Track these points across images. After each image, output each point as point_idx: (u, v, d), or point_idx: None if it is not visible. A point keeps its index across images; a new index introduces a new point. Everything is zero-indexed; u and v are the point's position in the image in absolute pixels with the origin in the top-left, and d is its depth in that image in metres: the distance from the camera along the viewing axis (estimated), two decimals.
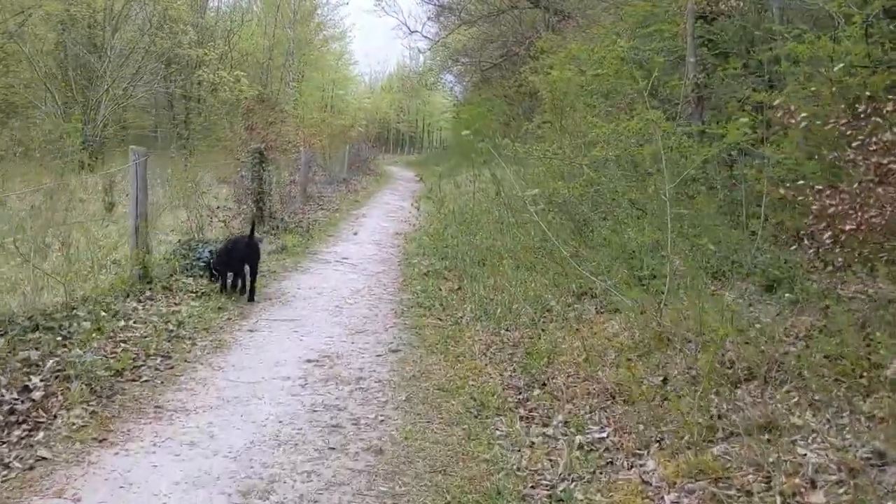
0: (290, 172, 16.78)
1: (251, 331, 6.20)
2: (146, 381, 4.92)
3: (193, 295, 7.14)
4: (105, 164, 19.14)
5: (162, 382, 4.92)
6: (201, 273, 7.98)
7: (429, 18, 33.03)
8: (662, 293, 5.59)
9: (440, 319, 7.00)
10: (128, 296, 6.57)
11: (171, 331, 5.91)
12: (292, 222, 13.24)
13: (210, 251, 8.36)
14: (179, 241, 8.43)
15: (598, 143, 10.00)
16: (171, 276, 7.61)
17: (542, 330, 6.38)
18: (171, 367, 5.24)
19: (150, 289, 6.85)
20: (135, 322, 5.95)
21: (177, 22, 22.96)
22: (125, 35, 22.56)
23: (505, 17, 28.07)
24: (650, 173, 8.85)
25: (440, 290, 8.33)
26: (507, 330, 6.64)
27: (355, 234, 13.06)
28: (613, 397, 4.62)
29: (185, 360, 5.39)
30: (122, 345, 5.43)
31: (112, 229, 9.85)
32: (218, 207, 9.76)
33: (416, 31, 35.26)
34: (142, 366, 5.17)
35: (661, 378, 4.71)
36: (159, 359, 5.34)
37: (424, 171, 32.86)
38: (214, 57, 27.50)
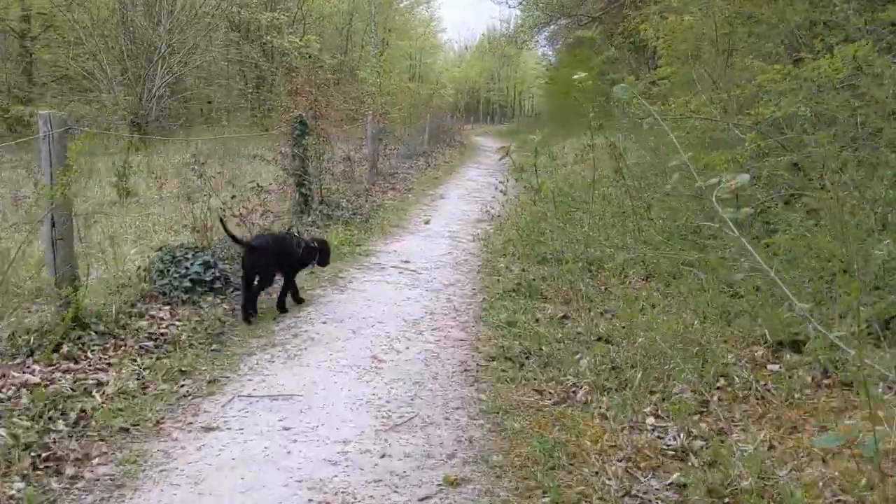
0: (355, 147, 14.20)
1: (208, 429, 3.55)
2: None
3: (152, 343, 4.58)
4: (157, 143, 17.16)
5: None
6: (185, 297, 5.44)
7: None
8: None
9: (539, 392, 4.16)
10: (31, 354, 4.06)
11: (38, 455, 3.24)
12: (350, 208, 10.65)
13: (207, 262, 5.81)
14: (161, 248, 5.91)
15: (766, 95, 6.91)
16: (134, 306, 5.09)
17: (721, 431, 3.50)
18: None
19: (78, 339, 4.32)
20: None
21: None
22: None
23: None
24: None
25: (536, 320, 5.49)
26: (657, 416, 3.77)
27: (427, 222, 10.32)
28: None
29: None
30: None
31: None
32: (233, 197, 7.21)
33: None
34: None
35: None
36: None
37: (514, 141, 29.78)
38: (285, 21, 25.30)
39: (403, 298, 6.22)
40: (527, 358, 4.68)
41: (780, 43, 10.38)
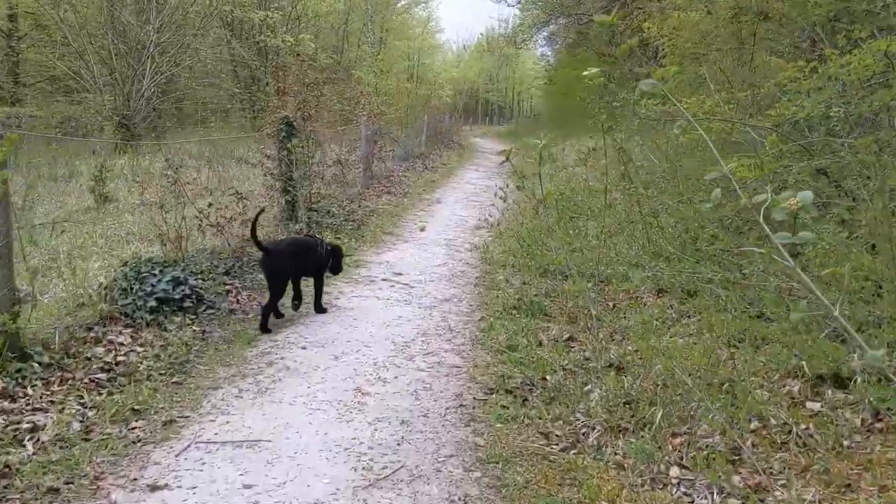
0: (349, 149, 13.66)
1: (154, 487, 2.98)
2: None
3: (104, 376, 4.03)
4: (146, 145, 16.62)
5: None
6: (150, 318, 4.90)
7: None
8: None
9: (545, 435, 3.62)
10: None
11: None
12: (342, 214, 10.12)
13: (177, 278, 5.27)
14: (127, 263, 5.35)
15: (786, 94, 6.42)
16: (91, 330, 4.55)
17: (759, 487, 2.98)
18: None
19: (17, 373, 3.77)
20: None
21: None
22: None
23: None
24: None
25: (540, 343, 4.96)
26: (682, 466, 3.25)
27: (422, 230, 9.78)
28: None
29: None
30: None
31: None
32: (209, 205, 6.66)
33: None
34: None
35: None
36: None
37: (514, 143, 29.21)
38: (279, 20, 24.76)
39: (394, 317, 5.67)
40: (530, 390, 4.14)
41: (801, 38, 9.88)
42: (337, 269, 6.04)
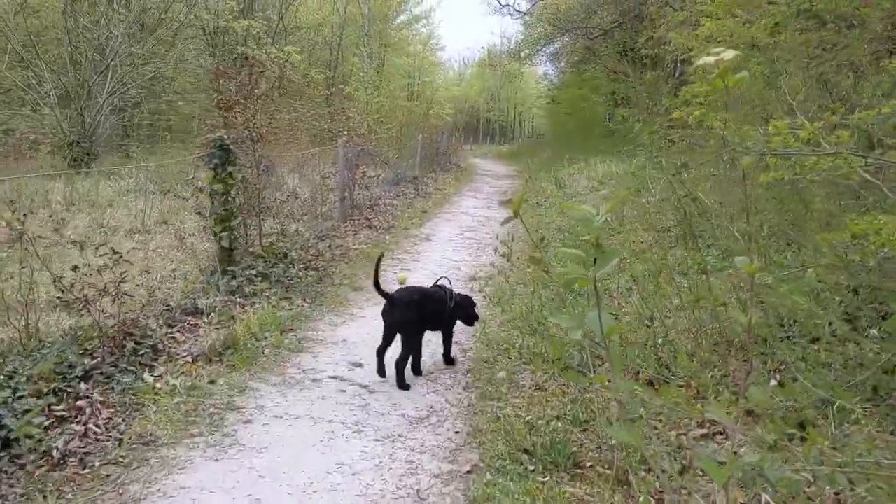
0: (324, 175, 11.57)
1: None
2: None
3: None
4: (99, 165, 14.55)
5: None
6: None
7: None
8: None
9: None
10: None
11: None
12: (303, 260, 8.00)
13: None
14: None
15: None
16: None
17: None
18: None
19: None
20: None
21: None
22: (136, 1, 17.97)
23: None
24: None
25: None
26: None
27: (402, 282, 7.62)
28: None
29: None
30: None
31: None
32: (75, 269, 4.51)
33: (508, 4, 29.37)
34: None
35: None
36: None
37: (518, 168, 27.11)
38: (263, 30, 22.82)
39: (331, 468, 3.50)
40: None
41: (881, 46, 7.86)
42: (470, 321, 5.19)
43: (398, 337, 4.76)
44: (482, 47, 45.35)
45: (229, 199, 6.68)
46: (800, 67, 8.47)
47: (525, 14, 27.17)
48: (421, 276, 7.96)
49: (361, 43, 34.12)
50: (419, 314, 4.74)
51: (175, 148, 16.28)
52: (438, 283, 5.19)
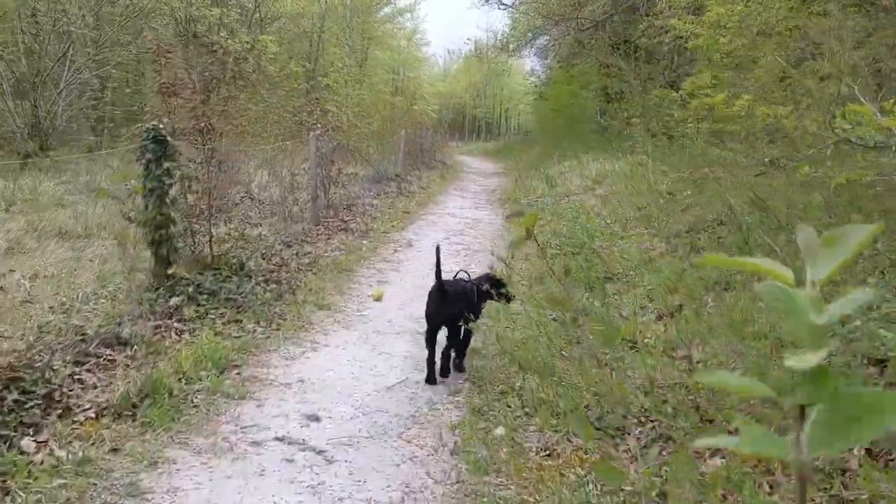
0: (291, 172, 10.44)
1: None
2: None
3: None
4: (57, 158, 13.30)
5: None
6: None
7: None
8: None
9: None
10: None
11: None
12: (262, 272, 6.87)
13: None
14: None
15: None
16: None
17: None
18: None
19: None
20: None
21: None
22: None
23: None
24: None
25: None
26: None
27: (378, 298, 6.50)
28: None
29: None
30: None
31: None
32: None
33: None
34: None
35: None
36: None
37: (504, 164, 25.92)
38: (235, 17, 21.60)
39: None
40: None
41: None
42: (508, 298, 4.83)
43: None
44: (468, 38, 43.95)
45: (166, 201, 5.53)
46: (836, 52, 7.41)
47: (511, 6, 26.05)
48: (403, 292, 6.86)
49: (343, 35, 32.91)
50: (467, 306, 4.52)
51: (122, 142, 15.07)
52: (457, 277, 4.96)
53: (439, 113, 53.37)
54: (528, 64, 50.81)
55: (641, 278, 6.63)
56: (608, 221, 10.14)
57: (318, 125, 10.94)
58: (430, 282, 7.26)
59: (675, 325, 5.18)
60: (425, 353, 4.85)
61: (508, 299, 4.86)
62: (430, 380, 4.46)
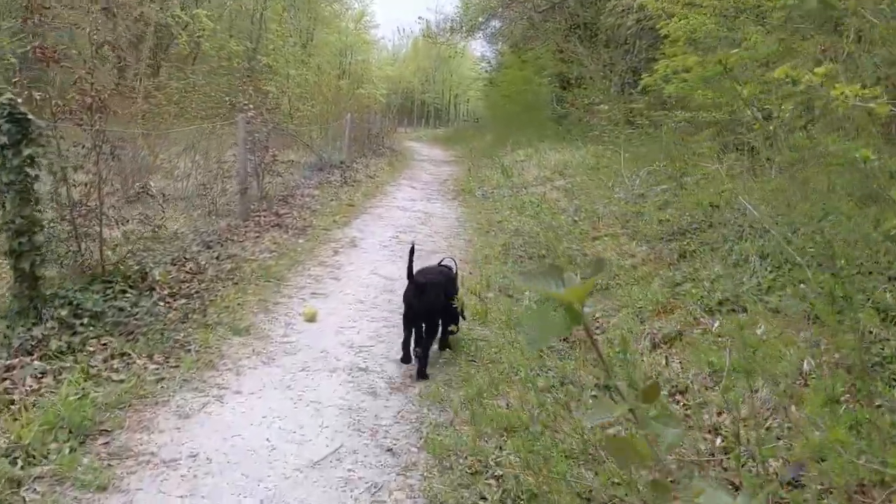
0: (218, 160, 9.10)
1: None
2: None
3: None
4: None
5: None
6: None
7: None
8: None
9: None
10: None
11: None
12: (171, 283, 5.58)
13: None
14: None
15: None
16: None
17: None
18: None
19: None
20: None
21: None
22: None
23: None
24: None
25: None
26: None
27: (311, 318, 5.30)
28: None
29: None
30: None
31: None
32: None
33: None
34: None
35: None
36: None
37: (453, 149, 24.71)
38: None
39: None
40: None
41: None
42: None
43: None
44: (419, 17, 42.53)
45: (30, 198, 4.22)
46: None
47: None
48: (344, 307, 5.66)
49: (287, 14, 31.18)
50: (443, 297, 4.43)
51: None
52: (443, 263, 4.93)
53: (388, 97, 51.83)
54: (479, 49, 49.74)
55: (628, 293, 5.58)
56: (575, 219, 9.10)
57: (251, 106, 9.61)
58: (372, 297, 6.07)
59: (679, 357, 4.16)
60: (365, 400, 3.68)
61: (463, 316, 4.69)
62: (406, 359, 4.45)
